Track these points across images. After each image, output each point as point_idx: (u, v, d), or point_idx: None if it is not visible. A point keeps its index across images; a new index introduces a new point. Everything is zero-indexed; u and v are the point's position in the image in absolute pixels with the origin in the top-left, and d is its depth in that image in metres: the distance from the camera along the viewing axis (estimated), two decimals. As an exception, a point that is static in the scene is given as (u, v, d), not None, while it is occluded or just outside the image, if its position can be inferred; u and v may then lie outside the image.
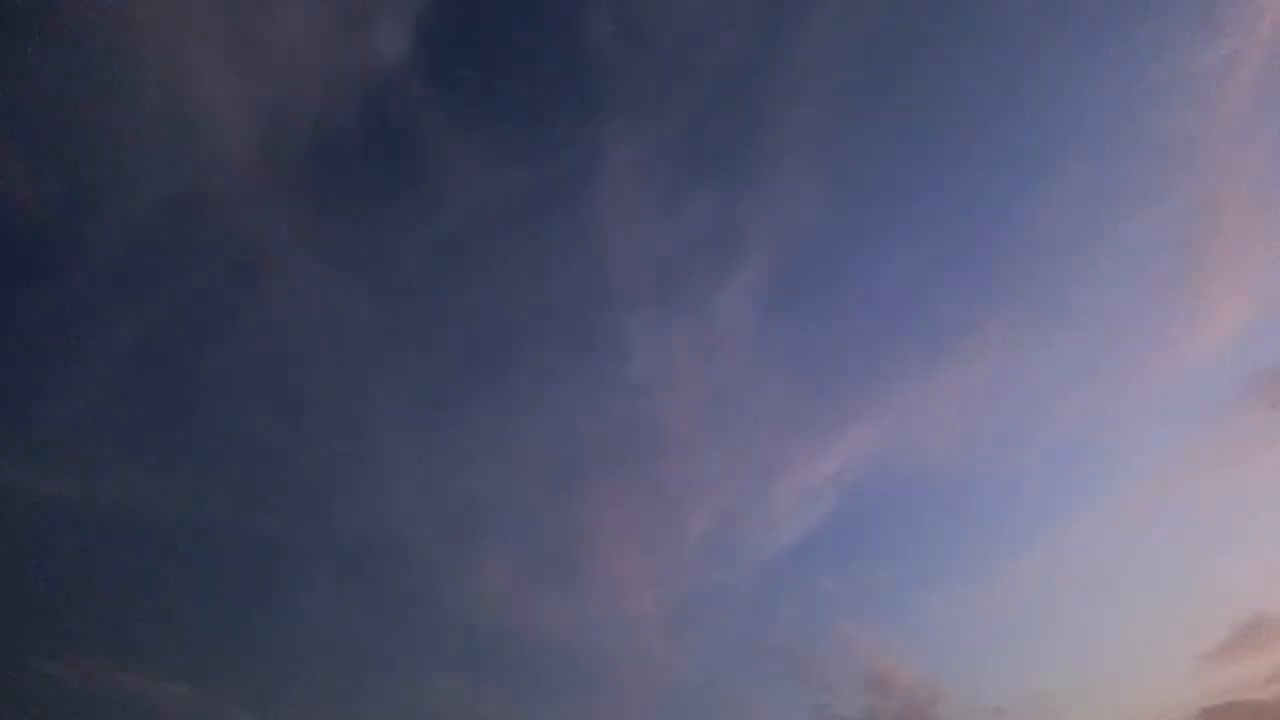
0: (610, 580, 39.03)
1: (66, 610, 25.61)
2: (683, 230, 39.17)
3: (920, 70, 37.44)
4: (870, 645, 40.69)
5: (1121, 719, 37.62)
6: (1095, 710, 37.92)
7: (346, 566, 32.45)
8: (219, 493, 29.87)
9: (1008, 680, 40.20)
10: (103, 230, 27.40)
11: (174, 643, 27.69)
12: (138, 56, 25.30)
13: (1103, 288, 41.96)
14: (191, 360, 30.10)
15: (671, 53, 34.55)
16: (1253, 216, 37.89)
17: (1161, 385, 41.36)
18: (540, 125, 34.24)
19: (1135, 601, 41.42)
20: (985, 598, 41.73)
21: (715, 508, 41.70)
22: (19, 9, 22.73)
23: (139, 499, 28.08)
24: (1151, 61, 36.44)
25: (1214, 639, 36.41)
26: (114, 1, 23.89)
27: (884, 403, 43.66)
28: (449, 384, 36.58)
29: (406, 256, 34.85)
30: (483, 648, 34.63)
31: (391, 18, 30.25)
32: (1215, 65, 35.43)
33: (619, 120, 35.43)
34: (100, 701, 25.37)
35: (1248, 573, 38.70)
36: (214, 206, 29.09)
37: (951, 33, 36.70)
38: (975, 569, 43.18)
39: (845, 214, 40.76)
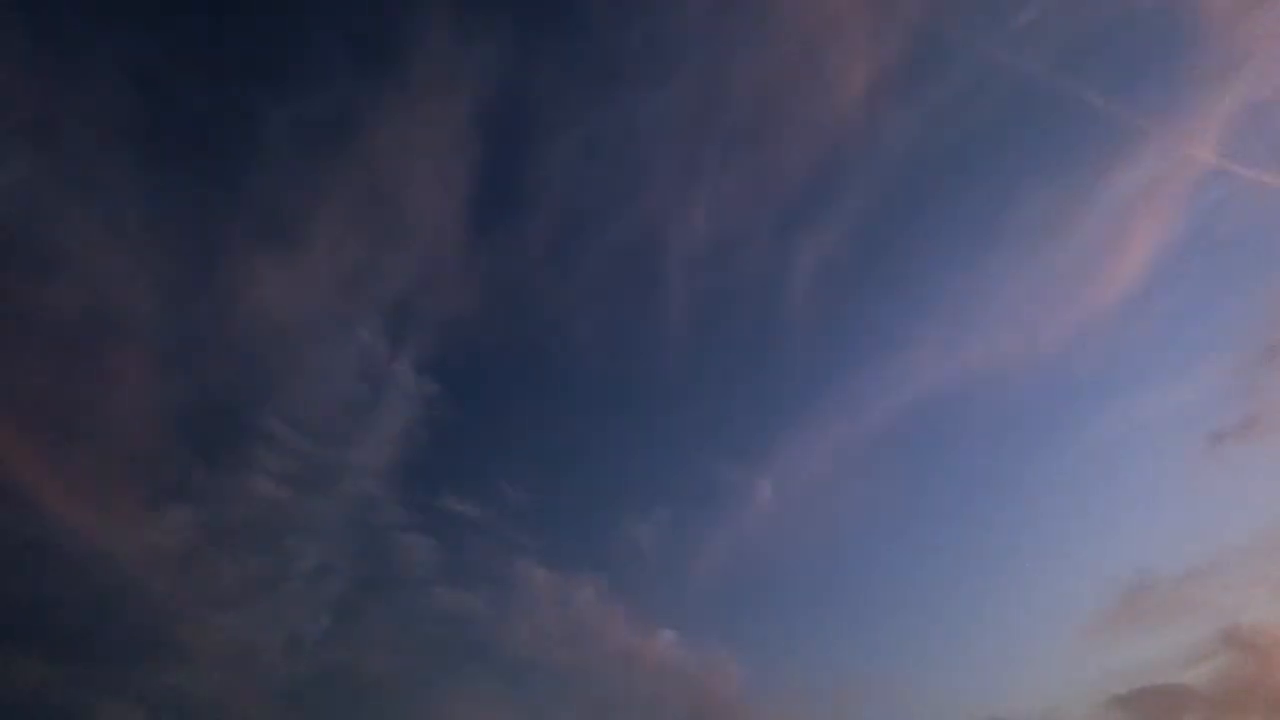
0: (70, 490, 26.10)
1: None
2: None
3: None
4: (589, 601, 30.90)
5: (1007, 710, 30.27)
6: (968, 696, 30.60)
7: None
8: None
9: (819, 658, 32.02)
10: None
11: None
12: None
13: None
14: None
15: None
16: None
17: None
18: None
19: (971, 553, 33.23)
20: (734, 535, 32.75)
21: (173, 365, 27.90)
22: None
23: None
24: None
25: (1098, 607, 31.29)
26: None
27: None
28: None
29: None
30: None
31: None
32: None
33: None
34: None
35: (1119, 520, 33.16)
36: None
37: None
38: (701, 491, 33.35)
39: None
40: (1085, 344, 33.39)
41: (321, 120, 28.10)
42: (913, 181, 32.40)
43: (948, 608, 33.38)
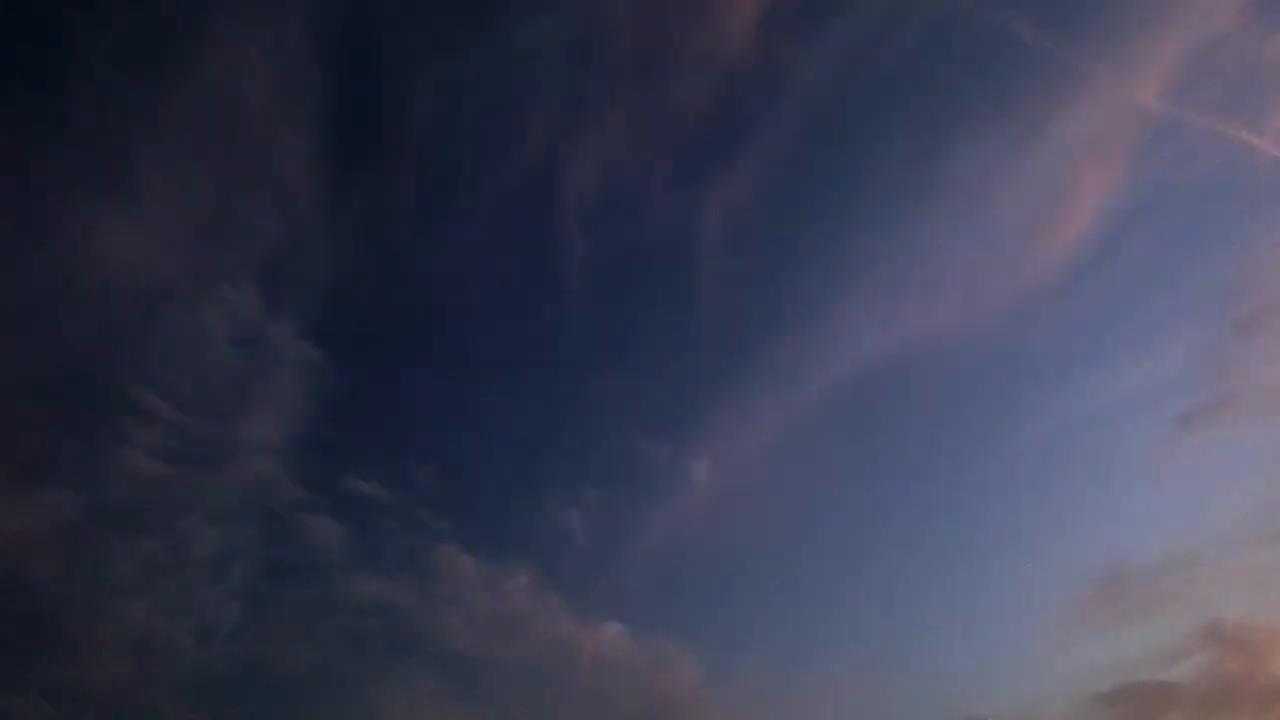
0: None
1: None
2: None
3: None
4: (521, 590, 28.94)
5: (986, 709, 28.09)
6: (943, 693, 28.43)
7: None
8: None
9: (779, 653, 29.82)
10: None
11: None
12: None
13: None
14: None
15: None
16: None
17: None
18: None
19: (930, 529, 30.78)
20: (672, 520, 30.14)
21: (15, 328, 24.34)
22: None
23: None
24: None
25: (1071, 600, 29.56)
26: None
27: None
28: None
29: None
30: None
31: None
32: None
33: None
34: None
35: (1085, 507, 30.91)
36: None
37: None
38: (629, 471, 30.60)
39: None
40: (1034, 314, 30.72)
41: (144, 43, 24.71)
42: (828, 125, 29.29)
43: (916, 598, 30.96)
